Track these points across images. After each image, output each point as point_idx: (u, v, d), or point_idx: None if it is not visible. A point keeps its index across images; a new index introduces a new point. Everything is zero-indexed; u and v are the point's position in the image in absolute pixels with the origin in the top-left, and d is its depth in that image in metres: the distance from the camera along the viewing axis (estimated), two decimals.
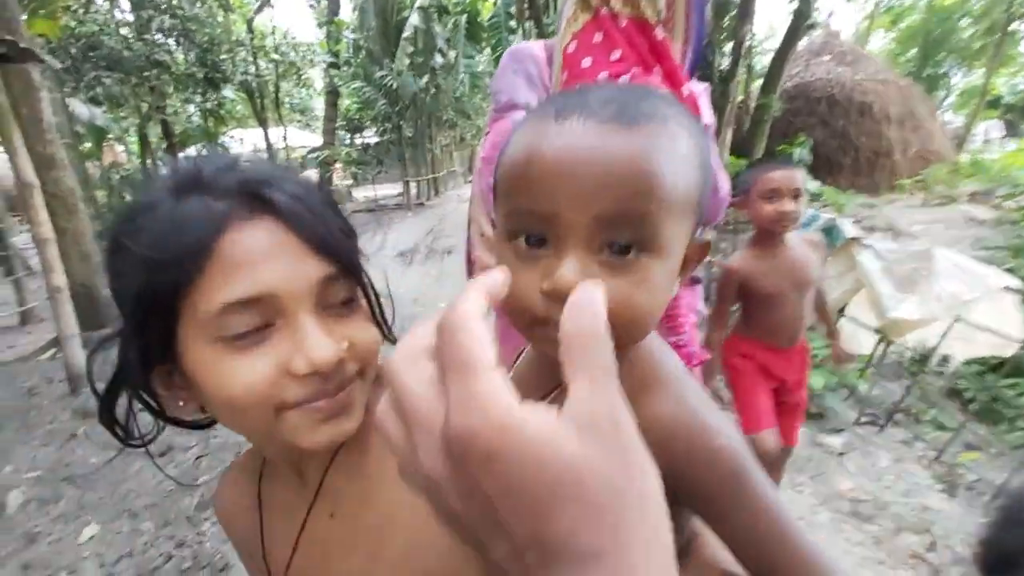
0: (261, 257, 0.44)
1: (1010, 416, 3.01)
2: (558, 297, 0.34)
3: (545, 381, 0.45)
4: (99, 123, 8.97)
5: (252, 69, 8.92)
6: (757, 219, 1.66)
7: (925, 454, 2.77)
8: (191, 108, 10.34)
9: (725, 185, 1.25)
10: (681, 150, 0.37)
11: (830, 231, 3.18)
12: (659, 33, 0.97)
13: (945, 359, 3.20)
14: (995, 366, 2.95)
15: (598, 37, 1.01)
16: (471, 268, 2.01)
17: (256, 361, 0.43)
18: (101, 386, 0.48)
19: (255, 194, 0.45)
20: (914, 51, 15.16)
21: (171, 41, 7.31)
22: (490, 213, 1.99)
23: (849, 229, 3.32)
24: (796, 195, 1.62)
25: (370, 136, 15.78)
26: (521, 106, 2.02)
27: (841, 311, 3.20)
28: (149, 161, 10.29)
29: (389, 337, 0.55)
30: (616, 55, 0.98)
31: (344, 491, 0.54)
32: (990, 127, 18.41)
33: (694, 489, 0.39)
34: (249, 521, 0.59)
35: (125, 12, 7.05)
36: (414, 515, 0.49)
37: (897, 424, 3.01)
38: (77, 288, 4.39)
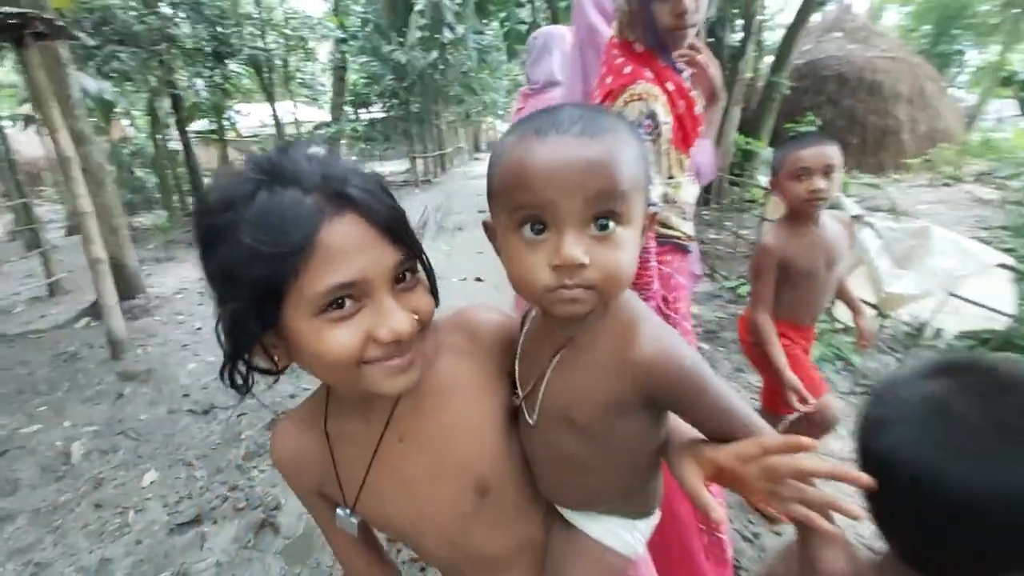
0: (353, 249, 0.51)
1: None
2: (566, 267, 0.49)
3: (555, 337, 0.60)
4: (107, 97, 9.03)
5: (259, 43, 8.88)
6: (789, 199, 1.61)
7: None
8: (199, 82, 10.32)
9: (708, 155, 1.48)
10: (631, 151, 0.51)
11: (834, 207, 3.32)
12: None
13: (938, 332, 3.37)
14: (985, 340, 3.09)
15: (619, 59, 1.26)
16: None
17: (348, 331, 0.53)
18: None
19: (338, 191, 0.52)
20: (928, 27, 14.87)
21: (180, 14, 7.29)
22: None
23: (850, 207, 3.45)
24: (828, 171, 1.55)
25: (376, 112, 15.71)
26: (559, 83, 2.12)
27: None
28: (159, 136, 10.34)
29: (437, 302, 0.64)
30: (628, 69, 1.23)
31: (409, 418, 0.66)
32: (1004, 105, 18.11)
33: (672, 394, 0.55)
34: (318, 459, 0.69)
35: None
36: (467, 431, 0.67)
37: None
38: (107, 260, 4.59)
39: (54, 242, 6.69)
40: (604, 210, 0.49)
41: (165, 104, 11.34)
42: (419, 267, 0.60)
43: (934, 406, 0.50)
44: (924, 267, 3.06)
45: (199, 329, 4.34)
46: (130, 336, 3.98)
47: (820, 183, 1.51)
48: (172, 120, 11.43)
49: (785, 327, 1.75)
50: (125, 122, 13.30)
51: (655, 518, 0.70)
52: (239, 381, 0.58)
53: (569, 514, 0.69)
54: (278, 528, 2.11)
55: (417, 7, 8.48)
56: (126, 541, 2.10)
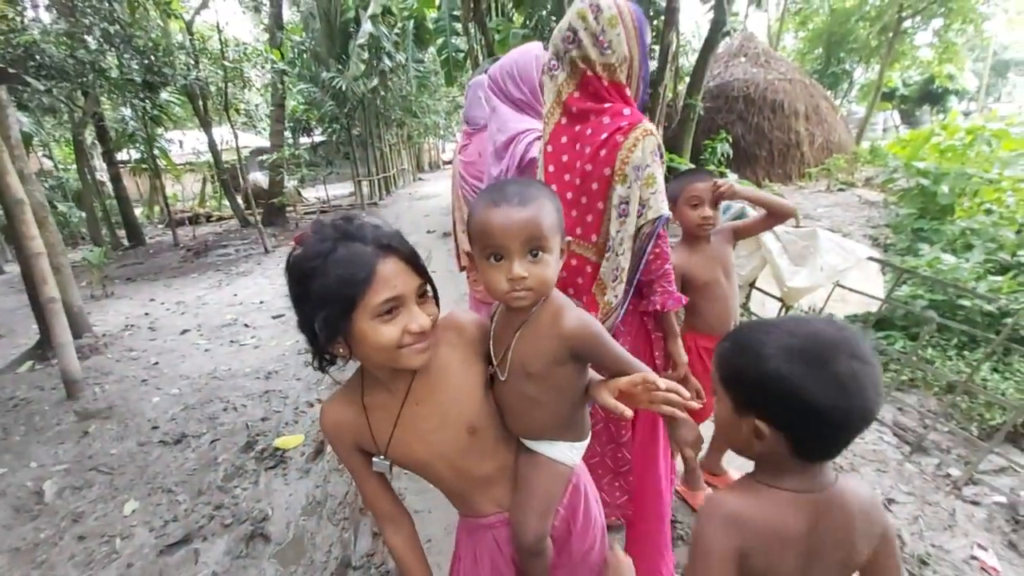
0: (395, 277, 0.81)
1: (884, 362, 3.76)
2: (515, 280, 0.83)
3: (515, 321, 0.92)
4: (25, 130, 8.60)
5: (194, 73, 8.78)
6: (684, 223, 1.90)
7: None
8: (127, 112, 10.01)
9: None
10: (549, 207, 0.86)
11: (740, 217, 3.86)
12: (605, 81, 1.37)
13: (830, 318, 3.94)
14: (865, 320, 3.69)
15: (564, 139, 1.43)
16: (460, 257, 2.49)
17: (393, 327, 0.82)
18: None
19: (384, 243, 0.82)
20: (819, 50, 16.73)
21: (109, 47, 7.12)
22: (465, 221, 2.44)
23: (755, 215, 4.01)
24: (716, 202, 1.85)
25: (318, 136, 15.62)
26: (484, 124, 2.49)
27: (752, 283, 3.91)
28: (85, 167, 9.89)
29: (438, 310, 0.94)
30: (577, 146, 1.41)
31: (421, 389, 0.95)
32: (888, 116, 20.54)
33: (586, 350, 0.90)
34: (355, 423, 0.95)
35: (61, 20, 6.82)
36: (460, 393, 0.96)
37: None
38: (66, 299, 4.47)
39: None
40: (534, 246, 0.84)
41: (89, 135, 10.88)
42: (429, 288, 0.91)
43: (794, 344, 0.71)
44: (815, 264, 3.61)
45: (156, 364, 4.32)
46: (83, 376, 3.93)
47: (709, 211, 1.85)
48: (97, 151, 10.97)
49: (706, 340, 2.01)
50: (41, 154, 12.57)
51: (586, 441, 1.05)
52: (324, 364, 0.89)
53: (530, 443, 1.02)
54: (269, 536, 2.27)
55: (360, 40, 8.70)
56: (117, 566, 2.18)
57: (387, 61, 10.55)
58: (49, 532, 2.41)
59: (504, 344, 0.95)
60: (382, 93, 12.09)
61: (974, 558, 2.03)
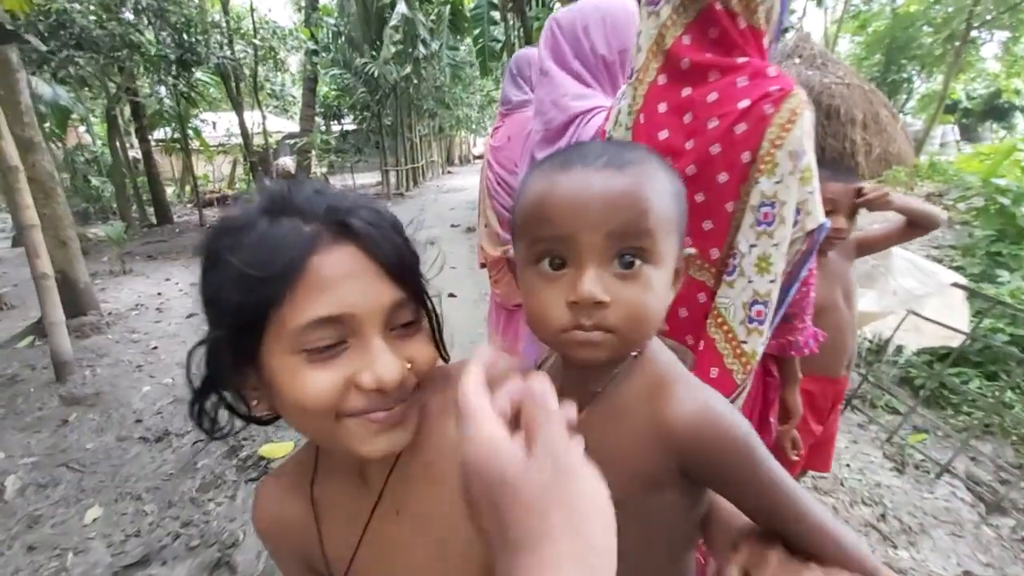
0: (343, 279, 0.47)
1: (954, 402, 3.28)
2: (583, 305, 0.45)
3: (577, 393, 0.50)
4: (63, 103, 8.64)
5: (227, 52, 8.68)
6: None
7: (878, 436, 2.99)
8: (162, 90, 9.99)
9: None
10: (662, 185, 0.48)
11: None
12: (742, 22, 0.95)
13: (899, 349, 3.47)
14: (942, 356, 3.21)
15: (663, 107, 1.00)
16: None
17: (328, 373, 0.47)
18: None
19: (340, 221, 0.49)
20: (879, 56, 15.78)
21: (144, 20, 7.05)
22: (495, 207, 2.09)
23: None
24: (853, 212, 1.46)
25: (348, 123, 15.53)
26: (518, 102, 2.13)
27: None
28: (117, 143, 9.93)
29: (444, 355, 0.58)
30: (687, 118, 0.97)
31: (410, 490, 0.57)
32: (947, 131, 19.35)
33: (712, 469, 0.48)
34: (302, 526, 0.61)
35: None
36: None
37: (855, 409, 3.25)
38: (55, 275, 4.32)
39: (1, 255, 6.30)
40: (629, 246, 0.47)
41: (125, 111, 10.94)
42: (423, 315, 0.55)
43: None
44: (886, 286, 3.15)
45: (155, 349, 4.12)
46: (78, 356, 3.74)
47: (843, 222, 1.46)
48: (132, 128, 11.03)
49: (810, 382, 1.52)
50: (81, 128, 12.76)
51: None
52: (208, 422, 0.53)
53: None
54: (235, 568, 1.97)
55: (392, 22, 8.46)
56: None
57: (421, 48, 10.29)
58: (1, 537, 2.16)
59: None
60: (415, 81, 11.84)
61: None
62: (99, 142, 13.33)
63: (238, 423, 0.55)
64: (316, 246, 0.46)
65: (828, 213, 1.31)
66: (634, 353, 0.53)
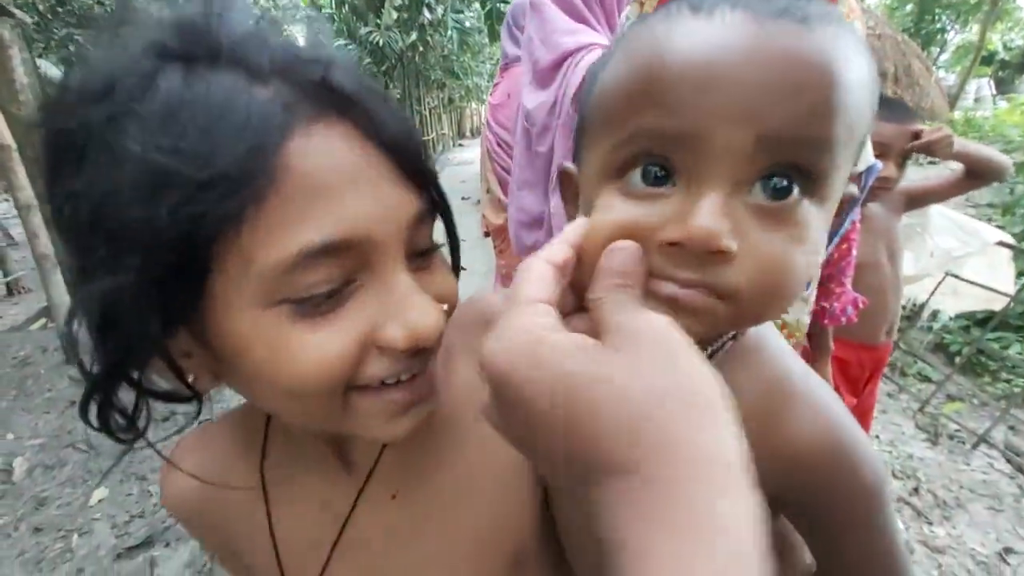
0: (344, 179, 0.30)
1: (993, 368, 3.12)
2: (694, 250, 0.27)
3: None
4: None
5: None
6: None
7: (909, 406, 2.89)
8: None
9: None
10: (862, 65, 0.29)
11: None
12: None
13: (934, 314, 3.28)
14: (981, 320, 3.03)
15: None
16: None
17: (333, 334, 0.31)
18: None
19: (321, 81, 0.31)
20: (911, 6, 14.91)
21: None
22: (496, 171, 1.95)
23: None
24: (904, 158, 1.30)
25: None
26: (516, 57, 1.97)
27: None
28: None
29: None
30: None
31: (408, 465, 0.45)
32: (982, 84, 18.33)
33: (827, 513, 0.36)
34: (240, 510, 0.46)
35: None
36: (499, 482, 0.44)
37: (884, 378, 3.11)
38: (60, 256, 4.31)
39: (16, 238, 6.35)
40: (791, 161, 0.28)
41: None
42: (436, 228, 0.39)
43: None
44: (923, 247, 2.94)
45: None
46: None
47: (893, 170, 1.30)
48: None
49: (846, 349, 1.43)
50: None
51: None
52: (119, 419, 0.37)
53: None
54: None
55: None
56: (67, 570, 1.91)
57: (426, 13, 9.97)
58: (7, 519, 2.17)
59: None
60: (421, 50, 11.53)
61: None
62: None
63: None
64: (291, 125, 0.29)
65: (877, 157, 1.16)
66: (732, 334, 0.36)
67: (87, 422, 0.37)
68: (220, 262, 0.29)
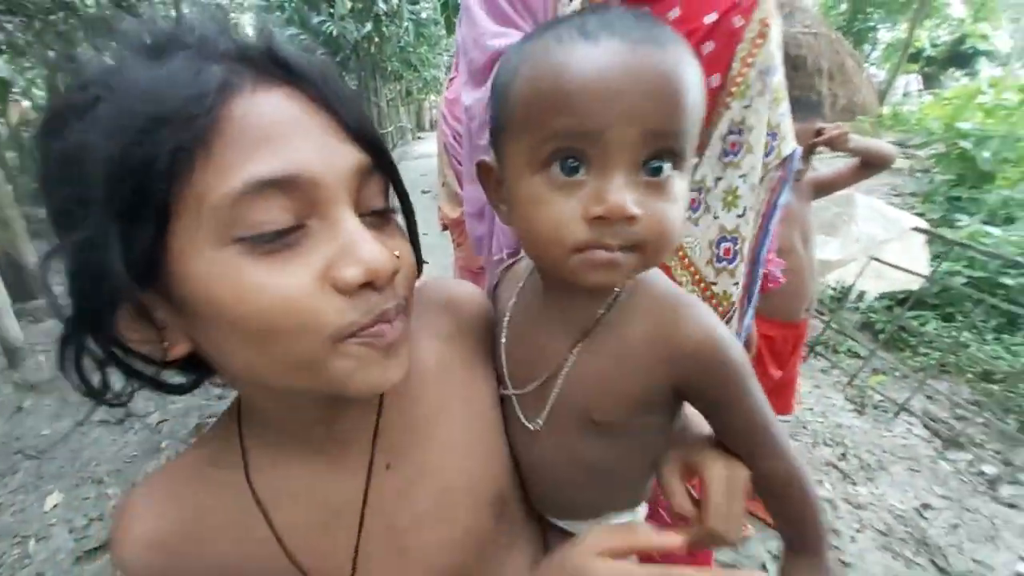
0: (288, 128, 0.34)
1: (912, 344, 3.41)
2: (613, 219, 0.37)
3: (574, 319, 0.48)
4: (2, 75, 7.99)
5: (172, 12, 8.08)
6: None
7: (840, 380, 3.10)
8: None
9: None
10: (697, 71, 0.40)
11: None
12: None
13: (861, 295, 3.56)
14: (902, 300, 3.31)
15: None
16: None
17: (289, 269, 0.33)
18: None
19: (267, 56, 0.35)
20: (845, 5, 15.67)
21: None
22: (453, 164, 2.01)
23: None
24: (809, 152, 1.45)
25: None
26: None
27: None
28: None
29: (420, 264, 0.46)
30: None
31: (393, 437, 0.48)
32: (910, 80, 19.53)
33: (710, 391, 0.47)
34: (238, 536, 0.44)
35: None
36: (474, 438, 0.50)
37: (818, 355, 3.35)
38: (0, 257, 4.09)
39: None
40: (663, 147, 0.39)
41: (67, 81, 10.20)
42: (392, 199, 0.43)
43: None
44: (849, 233, 3.19)
45: None
46: (31, 341, 3.58)
47: (799, 163, 1.39)
48: None
49: (767, 326, 1.56)
50: (26, 103, 11.87)
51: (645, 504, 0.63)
52: (93, 377, 0.37)
53: (568, 524, 0.60)
54: None
55: None
56: (26, 574, 1.87)
57: (381, 4, 9.78)
58: None
59: (541, 361, 0.50)
60: (376, 40, 11.30)
61: (1020, 574, 1.82)
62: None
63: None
64: (234, 86, 0.33)
65: None
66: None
67: (66, 376, 0.38)
68: (176, 204, 0.32)
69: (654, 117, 0.37)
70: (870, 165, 1.54)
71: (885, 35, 17.55)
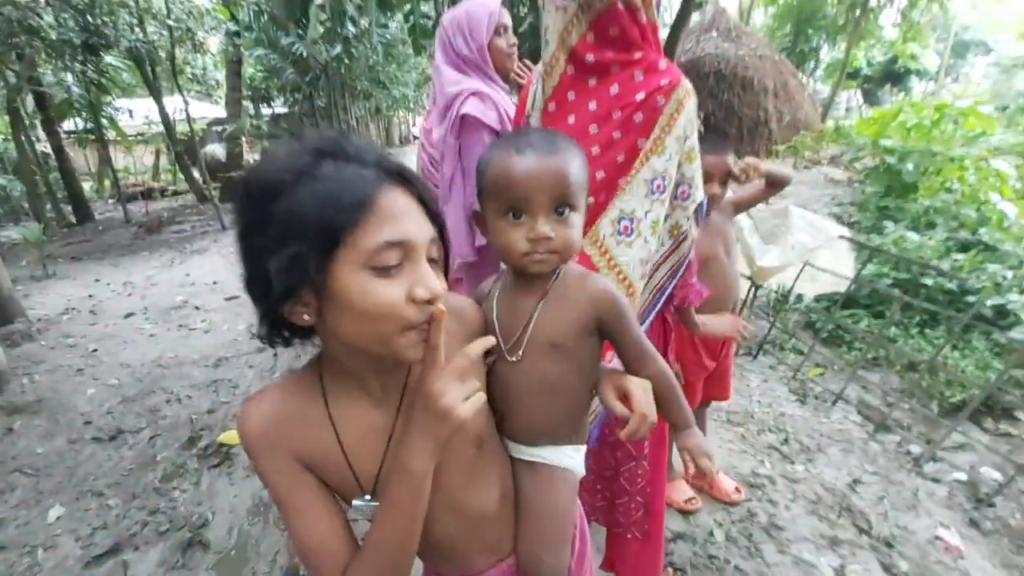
0: (404, 214, 0.59)
1: (848, 340, 3.76)
2: (539, 240, 0.73)
3: (534, 292, 0.80)
4: None
5: (139, 34, 8.07)
6: None
7: (785, 374, 3.36)
8: (68, 77, 9.18)
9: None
10: (579, 161, 0.76)
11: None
12: (642, 16, 1.10)
13: (799, 297, 3.92)
14: (837, 301, 3.66)
15: (571, 95, 1.17)
16: None
17: (392, 286, 0.58)
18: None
19: (391, 169, 0.61)
20: (789, 27, 16.65)
21: (41, 2, 6.44)
22: (429, 186, 2.23)
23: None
24: (725, 180, 1.68)
25: (278, 107, 14.83)
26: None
27: None
28: (23, 137, 9.11)
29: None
30: (592, 106, 1.15)
31: (410, 390, 0.72)
32: (851, 96, 20.84)
33: (610, 319, 0.79)
34: (315, 440, 0.67)
35: None
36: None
37: (766, 352, 3.66)
38: None
39: None
40: (563, 202, 0.74)
41: (28, 102, 9.98)
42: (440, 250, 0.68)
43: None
44: (786, 242, 3.55)
45: (95, 351, 4.01)
46: (12, 365, 3.61)
47: (717, 189, 1.69)
48: (38, 120, 10.09)
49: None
50: None
51: (585, 447, 0.90)
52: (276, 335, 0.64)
53: (529, 450, 0.85)
54: (208, 544, 2.09)
55: (317, 1, 8.13)
56: None
57: (350, 27, 9.95)
58: None
59: (515, 321, 0.81)
60: (346, 61, 11.44)
61: (938, 538, 2.03)
62: (0, 137, 12.10)
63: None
64: (380, 185, 0.58)
65: (705, 181, 1.60)
66: (563, 265, 0.81)
67: (261, 339, 0.64)
68: (344, 245, 0.56)
69: (556, 189, 0.73)
70: (773, 185, 1.86)
71: (826, 55, 18.66)
